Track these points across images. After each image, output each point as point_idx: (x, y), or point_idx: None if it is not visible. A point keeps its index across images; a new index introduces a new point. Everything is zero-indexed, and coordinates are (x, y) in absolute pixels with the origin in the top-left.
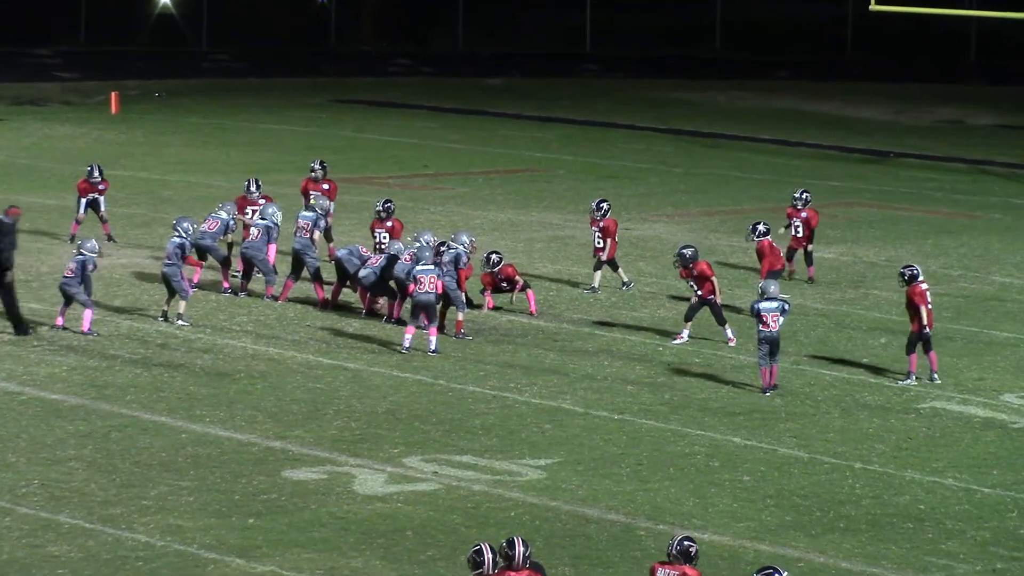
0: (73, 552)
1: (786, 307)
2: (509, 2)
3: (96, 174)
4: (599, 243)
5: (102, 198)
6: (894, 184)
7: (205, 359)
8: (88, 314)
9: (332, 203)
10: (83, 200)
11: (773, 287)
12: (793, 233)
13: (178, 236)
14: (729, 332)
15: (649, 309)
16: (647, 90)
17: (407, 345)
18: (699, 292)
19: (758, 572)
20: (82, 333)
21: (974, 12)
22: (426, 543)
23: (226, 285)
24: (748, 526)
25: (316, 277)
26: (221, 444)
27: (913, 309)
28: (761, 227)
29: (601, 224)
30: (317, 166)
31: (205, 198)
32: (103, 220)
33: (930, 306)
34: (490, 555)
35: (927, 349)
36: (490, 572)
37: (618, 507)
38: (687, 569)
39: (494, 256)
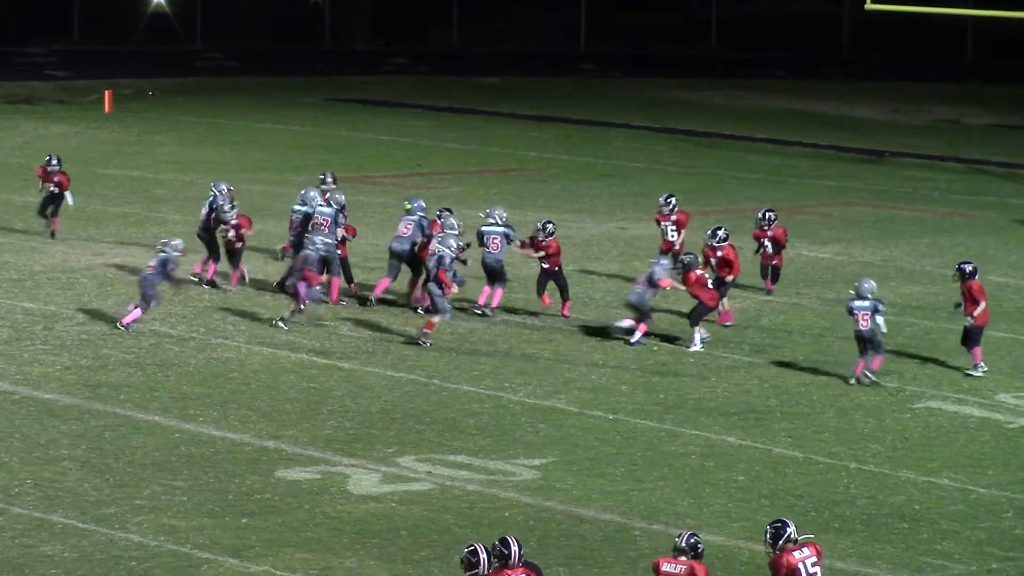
0: (67, 552)
1: (879, 307)
2: (505, 0)
3: (54, 162)
4: (672, 236)
5: (68, 193)
6: (890, 183)
7: (199, 358)
8: (137, 313)
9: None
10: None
11: (867, 285)
12: (763, 251)
13: (164, 253)
14: (697, 337)
15: None
16: (643, 89)
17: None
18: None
19: (770, 525)
20: (123, 326)
21: (970, 11)
22: (420, 543)
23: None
24: (743, 526)
25: (338, 272)
26: (215, 444)
27: (972, 303)
28: (721, 232)
29: (673, 218)
30: (328, 178)
31: (199, 197)
32: (53, 214)
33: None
34: (484, 555)
35: (973, 344)
36: (485, 572)
37: (612, 507)
38: (695, 564)
39: (550, 226)
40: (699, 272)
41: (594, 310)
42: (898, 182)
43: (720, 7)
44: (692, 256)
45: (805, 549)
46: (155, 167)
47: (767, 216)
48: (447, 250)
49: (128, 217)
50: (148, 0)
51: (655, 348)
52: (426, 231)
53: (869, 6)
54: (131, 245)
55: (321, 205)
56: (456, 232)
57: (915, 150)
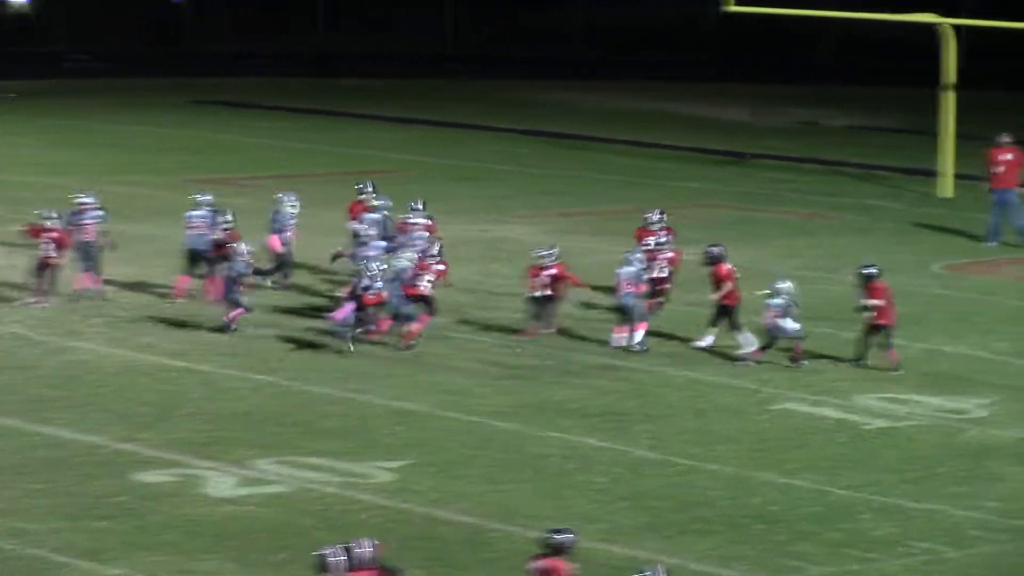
0: None
1: (786, 303)
2: (369, 0)
3: None
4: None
5: None
6: (751, 185)
7: (55, 361)
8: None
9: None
10: None
11: (780, 284)
12: (658, 274)
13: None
14: (740, 339)
15: (503, 311)
16: (507, 91)
17: None
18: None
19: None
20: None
21: (829, 13)
22: (278, 545)
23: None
24: (602, 528)
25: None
26: (72, 446)
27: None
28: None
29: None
30: (368, 188)
31: (63, 200)
32: None
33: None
34: (338, 558)
35: (887, 345)
36: (339, 574)
37: (470, 509)
38: (551, 561)
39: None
40: (729, 265)
41: (452, 312)
42: (759, 184)
43: (587, 9)
44: (721, 247)
45: None
46: (18, 169)
47: (668, 240)
48: (407, 263)
49: None
50: (9, 1)
51: (519, 351)
52: (389, 231)
53: (728, 8)
54: None
55: (195, 210)
56: (423, 239)
57: (775, 152)
